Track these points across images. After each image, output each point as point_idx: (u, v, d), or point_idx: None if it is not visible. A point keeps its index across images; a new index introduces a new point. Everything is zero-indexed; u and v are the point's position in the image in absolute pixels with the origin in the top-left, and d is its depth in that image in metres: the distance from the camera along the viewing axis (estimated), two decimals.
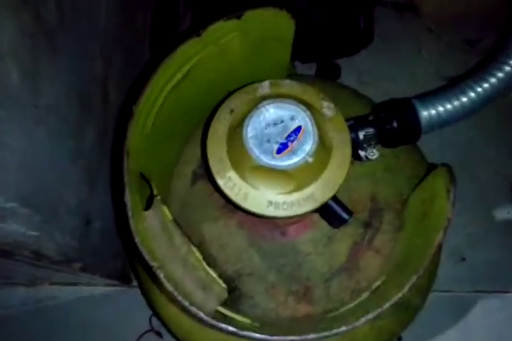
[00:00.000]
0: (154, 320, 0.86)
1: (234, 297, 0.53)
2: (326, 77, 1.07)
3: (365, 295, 0.49)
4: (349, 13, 0.97)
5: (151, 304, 0.62)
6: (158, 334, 0.86)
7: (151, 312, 0.85)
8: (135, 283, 0.86)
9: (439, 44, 1.09)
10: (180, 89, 0.53)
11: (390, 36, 1.11)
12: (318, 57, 1.07)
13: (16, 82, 0.48)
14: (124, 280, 0.84)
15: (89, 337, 0.88)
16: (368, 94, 0.71)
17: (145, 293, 0.66)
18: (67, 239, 0.61)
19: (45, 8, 0.54)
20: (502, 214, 0.95)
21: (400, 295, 0.39)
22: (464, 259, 0.93)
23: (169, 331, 0.66)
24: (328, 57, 1.07)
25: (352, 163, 0.57)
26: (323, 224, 0.54)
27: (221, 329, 0.38)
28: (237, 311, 0.52)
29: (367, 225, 0.56)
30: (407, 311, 0.55)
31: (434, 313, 0.86)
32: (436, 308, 0.86)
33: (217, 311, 0.45)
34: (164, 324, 0.65)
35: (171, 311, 0.56)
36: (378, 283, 0.50)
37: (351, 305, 0.47)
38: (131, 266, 0.68)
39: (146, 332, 0.86)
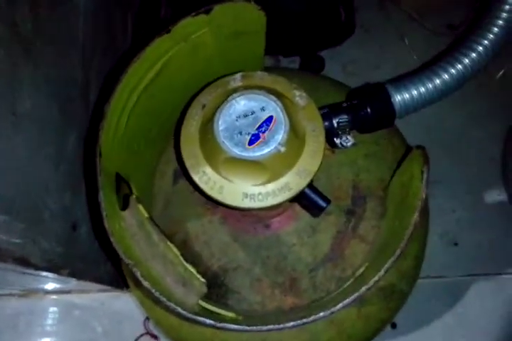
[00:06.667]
0: (150, 322, 0.86)
1: (221, 292, 0.53)
2: (310, 70, 1.07)
3: (348, 282, 0.49)
4: (329, 4, 0.97)
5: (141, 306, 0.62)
6: (154, 336, 0.86)
7: (146, 315, 0.85)
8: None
9: (422, 30, 1.09)
10: (155, 88, 0.53)
11: (372, 25, 1.12)
12: (300, 50, 1.06)
13: None
14: (116, 284, 0.83)
15: None
16: (354, 84, 0.70)
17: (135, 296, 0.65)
18: (53, 245, 0.60)
19: (21, 17, 0.53)
20: (492, 196, 0.95)
21: (376, 278, 0.39)
22: (456, 244, 0.93)
23: (161, 332, 0.66)
24: (310, 50, 1.07)
25: (333, 151, 0.58)
26: (306, 214, 0.54)
27: (200, 323, 0.38)
28: (225, 306, 0.52)
29: (350, 213, 0.56)
30: (394, 297, 0.55)
31: (429, 299, 0.87)
32: (431, 294, 0.87)
33: (202, 307, 0.45)
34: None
35: (158, 311, 0.56)
36: (362, 269, 0.50)
37: (334, 294, 0.47)
38: (120, 270, 0.68)
39: (141, 335, 0.86)
